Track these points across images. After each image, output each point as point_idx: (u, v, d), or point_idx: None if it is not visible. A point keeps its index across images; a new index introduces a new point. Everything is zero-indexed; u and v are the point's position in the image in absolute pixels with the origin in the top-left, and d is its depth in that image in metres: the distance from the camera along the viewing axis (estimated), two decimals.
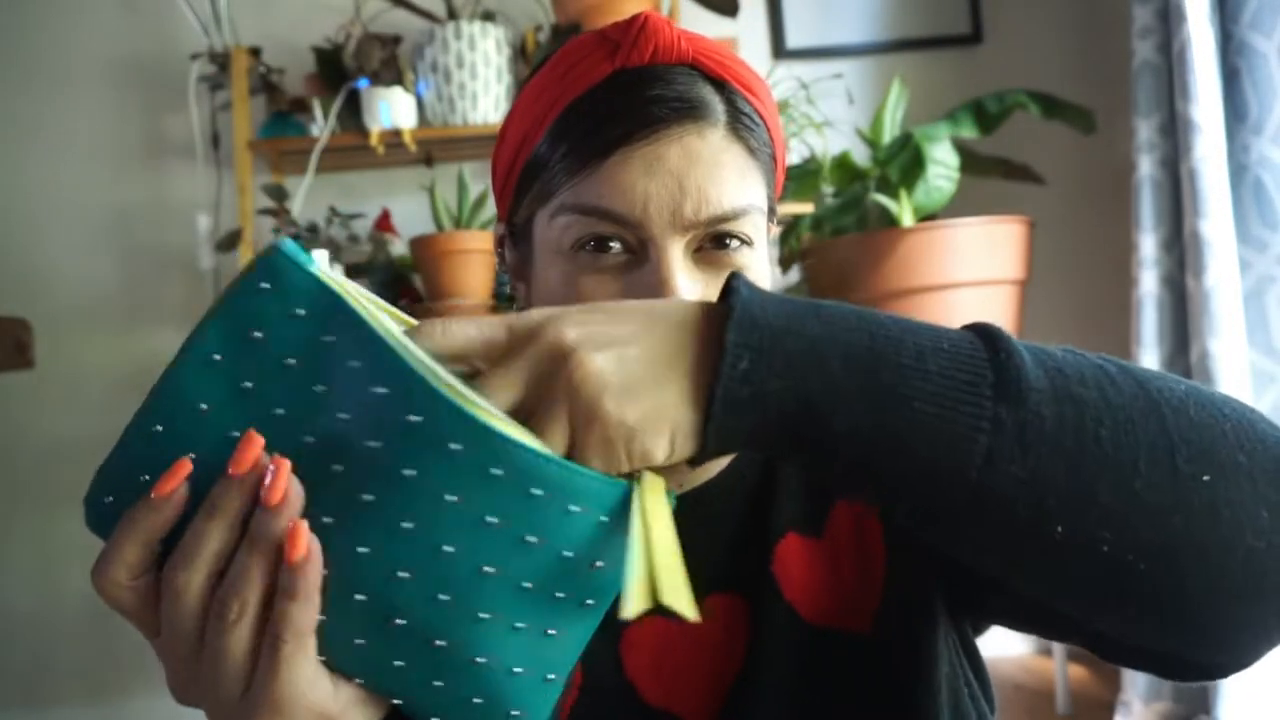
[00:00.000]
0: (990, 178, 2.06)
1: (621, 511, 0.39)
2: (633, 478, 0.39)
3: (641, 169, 0.54)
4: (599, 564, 0.39)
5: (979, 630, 0.62)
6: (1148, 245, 1.83)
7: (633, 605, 0.35)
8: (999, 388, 0.39)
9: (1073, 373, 0.40)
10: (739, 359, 0.38)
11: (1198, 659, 0.44)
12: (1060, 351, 0.42)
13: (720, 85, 0.57)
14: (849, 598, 0.58)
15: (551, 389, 0.38)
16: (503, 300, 2.00)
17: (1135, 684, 1.83)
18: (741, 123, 0.57)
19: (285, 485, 0.37)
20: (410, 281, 2.09)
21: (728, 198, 0.55)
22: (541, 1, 2.14)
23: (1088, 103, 2.04)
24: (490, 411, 0.37)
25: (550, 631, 0.40)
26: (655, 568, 0.37)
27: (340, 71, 2.05)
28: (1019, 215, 1.95)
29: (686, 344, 0.39)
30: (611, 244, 0.55)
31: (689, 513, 0.60)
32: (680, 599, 0.36)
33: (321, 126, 2.01)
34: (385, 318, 0.37)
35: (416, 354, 0.37)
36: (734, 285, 0.41)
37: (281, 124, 2.07)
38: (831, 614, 0.58)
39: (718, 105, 0.56)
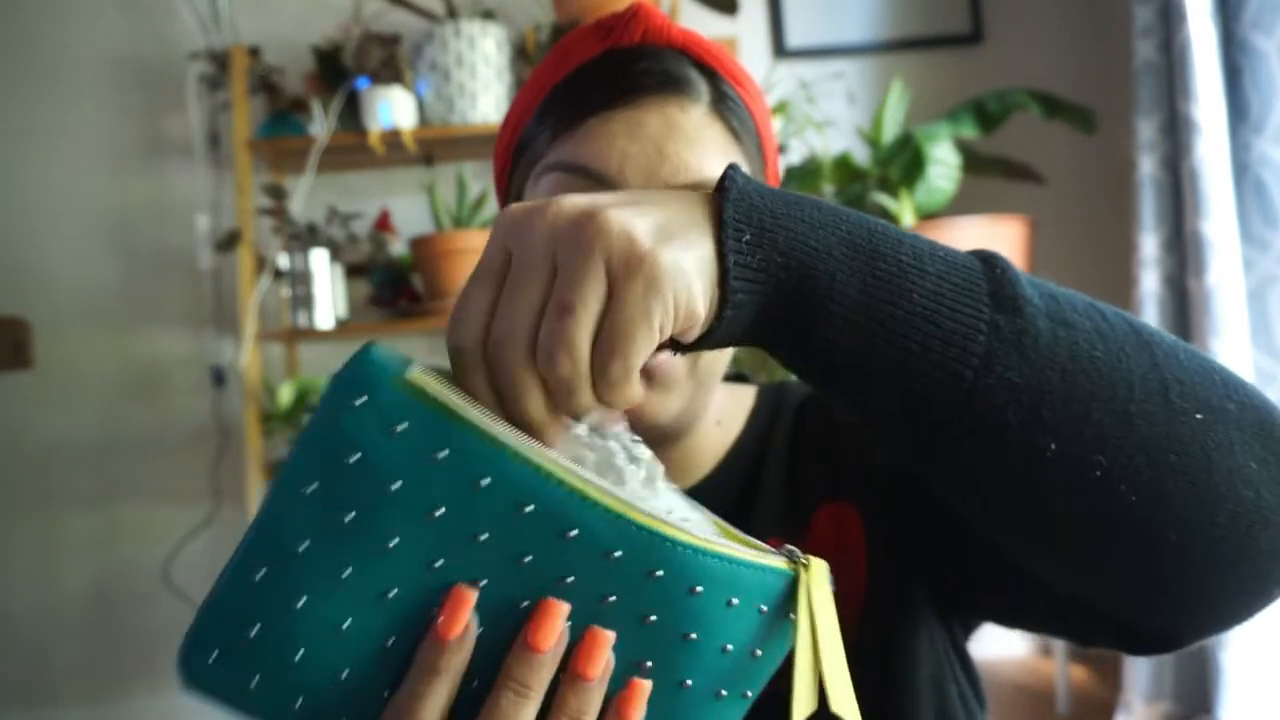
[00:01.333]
0: (991, 177, 2.06)
1: (783, 601, 0.36)
2: (795, 564, 0.37)
3: (621, 130, 0.54)
4: (758, 653, 0.37)
5: (969, 630, 0.62)
6: (1149, 245, 1.83)
7: (802, 709, 0.34)
8: (996, 297, 0.38)
9: (1065, 301, 0.39)
10: (740, 232, 0.37)
11: (1174, 620, 0.42)
12: (1055, 285, 0.41)
13: (707, 70, 0.57)
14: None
15: (580, 244, 0.34)
16: None
17: (1136, 684, 1.83)
18: (725, 105, 0.57)
19: (597, 656, 0.34)
20: (410, 281, 2.09)
21: (708, 168, 0.54)
22: (541, 0, 2.14)
23: (1088, 102, 2.04)
24: (644, 512, 0.34)
25: None
26: (822, 667, 0.35)
27: (340, 71, 2.04)
28: (1019, 215, 1.95)
29: (700, 215, 0.37)
30: None
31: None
32: (848, 708, 0.35)
33: (321, 126, 2.00)
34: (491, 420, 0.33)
35: (547, 459, 0.33)
36: (730, 173, 0.39)
37: (281, 124, 2.07)
38: None
39: (702, 85, 0.56)
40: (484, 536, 0.33)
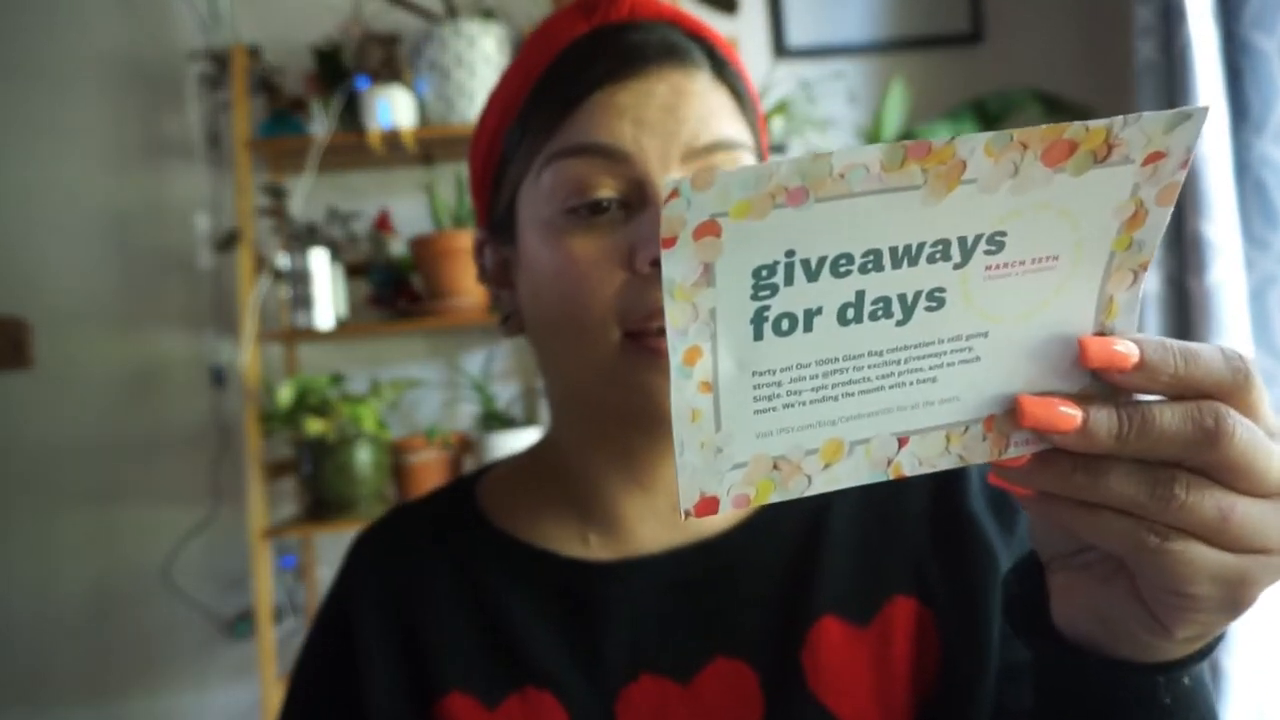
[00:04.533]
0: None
1: None
2: None
3: (630, 101, 0.51)
4: None
5: None
6: None
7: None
8: None
9: None
10: None
11: None
12: None
13: (700, 41, 0.56)
14: (893, 698, 0.54)
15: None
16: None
17: None
18: (725, 72, 0.55)
19: None
20: (410, 281, 2.09)
21: (723, 128, 0.52)
22: (540, 0, 2.13)
23: (1089, 102, 2.04)
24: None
25: None
26: None
27: (339, 71, 2.04)
28: None
29: None
30: (604, 202, 0.51)
31: (706, 559, 0.57)
32: None
33: (321, 126, 2.00)
34: None
35: None
36: None
37: (280, 123, 2.07)
38: (871, 717, 0.54)
39: (699, 53, 0.54)
40: None
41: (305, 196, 2.11)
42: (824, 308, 0.29)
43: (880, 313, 0.30)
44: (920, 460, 0.32)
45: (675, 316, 0.29)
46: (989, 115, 1.98)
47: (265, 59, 2.14)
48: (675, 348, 0.29)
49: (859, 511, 0.59)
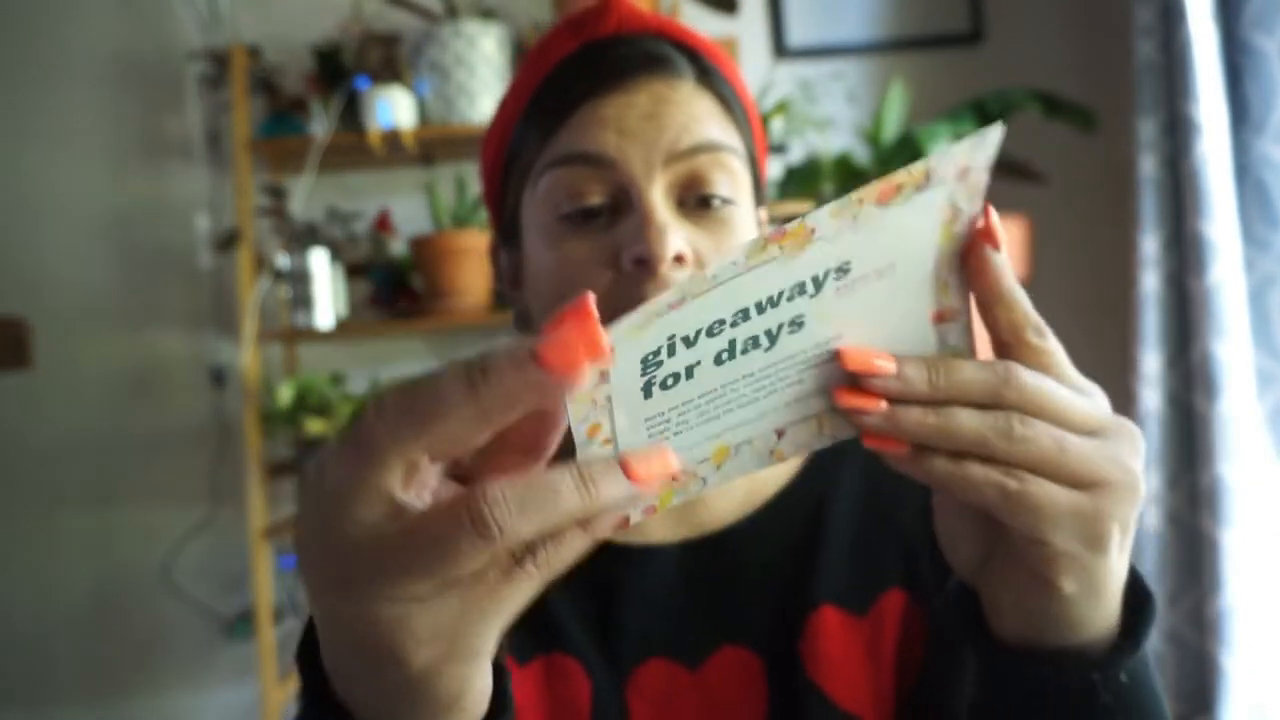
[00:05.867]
0: (991, 177, 2.05)
1: None
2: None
3: (612, 113, 0.53)
4: None
5: None
6: (1149, 245, 1.83)
7: None
8: None
9: None
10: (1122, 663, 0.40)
11: None
12: None
13: (686, 50, 0.57)
14: (883, 685, 0.57)
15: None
16: (503, 299, 2.00)
17: None
18: (710, 78, 0.57)
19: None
20: (410, 281, 2.09)
21: (706, 132, 0.54)
22: (540, 0, 2.13)
23: (1089, 102, 2.03)
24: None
25: None
26: None
27: (340, 71, 2.04)
28: (1019, 215, 1.95)
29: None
30: (595, 209, 0.54)
31: (713, 551, 0.59)
32: None
33: (321, 126, 2.00)
34: None
35: None
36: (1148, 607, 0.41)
37: (280, 123, 2.07)
38: (865, 703, 0.56)
39: (684, 62, 0.56)
40: None
41: (305, 196, 2.11)
42: (702, 360, 0.35)
43: (750, 347, 0.35)
44: (798, 445, 0.37)
45: (576, 411, 0.34)
46: (989, 115, 1.98)
47: (265, 59, 2.14)
48: (578, 429, 0.34)
49: (860, 505, 0.61)
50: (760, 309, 0.35)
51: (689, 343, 0.34)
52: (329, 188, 2.20)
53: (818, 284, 0.35)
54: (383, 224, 2.13)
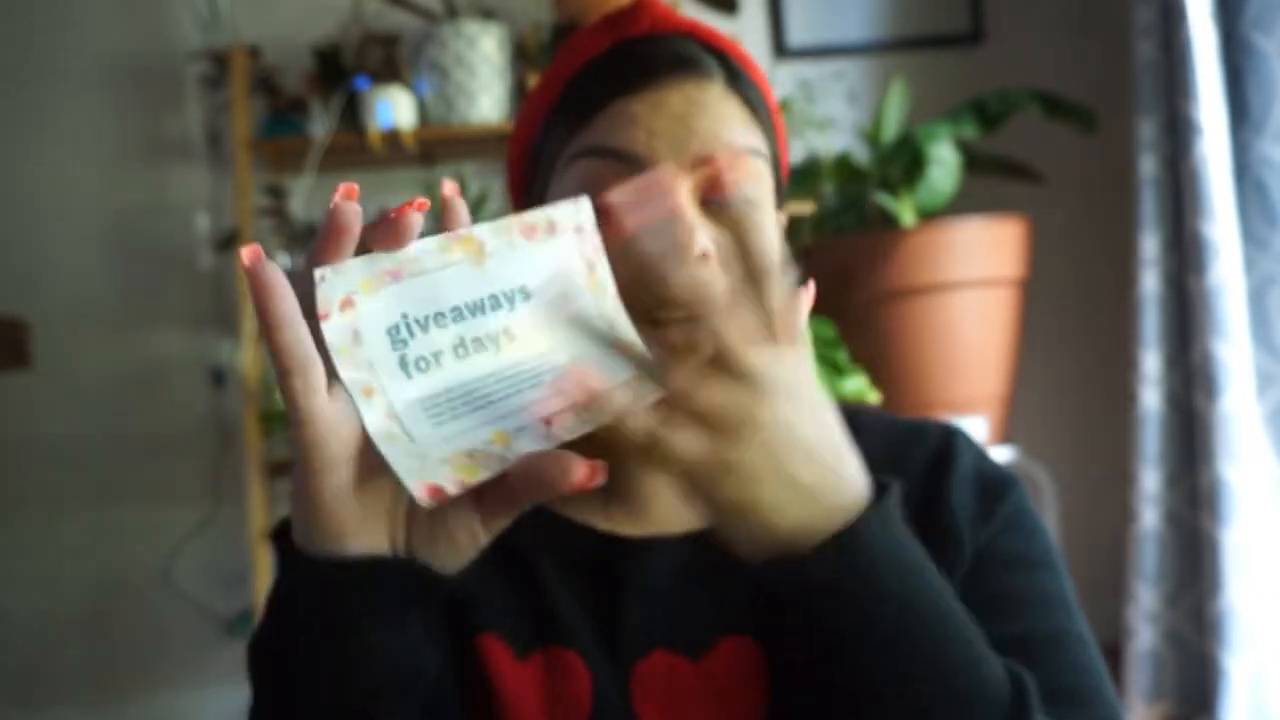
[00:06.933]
0: (991, 177, 2.05)
1: None
2: None
3: (644, 110, 0.54)
4: None
5: None
6: (1149, 245, 1.83)
7: None
8: None
9: None
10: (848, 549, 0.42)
11: None
12: None
13: (716, 52, 0.58)
14: None
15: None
16: None
17: (1136, 685, 1.83)
18: (739, 82, 0.58)
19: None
20: None
21: (735, 137, 0.55)
22: (540, 0, 2.13)
23: (1089, 102, 2.03)
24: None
25: None
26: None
27: (340, 71, 2.04)
28: (1019, 215, 1.95)
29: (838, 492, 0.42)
30: None
31: (707, 550, 0.59)
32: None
33: (321, 126, 2.00)
34: None
35: None
36: (889, 496, 0.44)
37: (281, 124, 2.07)
38: None
39: (714, 65, 0.57)
40: None
41: (305, 196, 2.11)
42: (442, 351, 0.42)
43: (479, 349, 0.43)
44: (570, 429, 0.43)
45: (343, 367, 0.40)
46: (989, 115, 1.98)
47: (265, 59, 2.14)
48: (353, 388, 0.40)
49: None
50: (472, 312, 0.43)
51: (422, 327, 0.41)
52: (329, 188, 2.18)
53: (511, 301, 0.43)
54: None
